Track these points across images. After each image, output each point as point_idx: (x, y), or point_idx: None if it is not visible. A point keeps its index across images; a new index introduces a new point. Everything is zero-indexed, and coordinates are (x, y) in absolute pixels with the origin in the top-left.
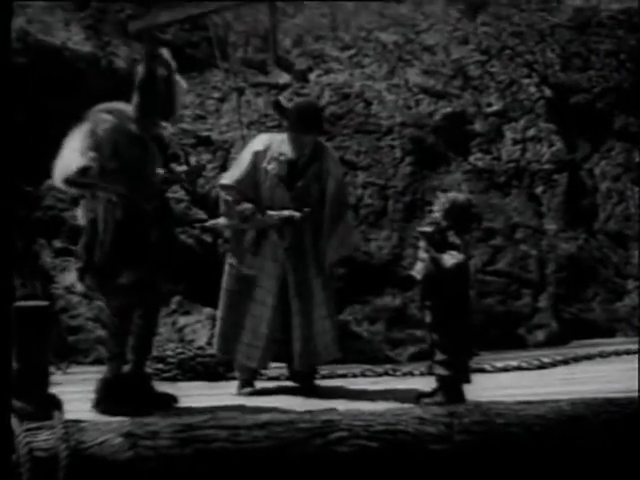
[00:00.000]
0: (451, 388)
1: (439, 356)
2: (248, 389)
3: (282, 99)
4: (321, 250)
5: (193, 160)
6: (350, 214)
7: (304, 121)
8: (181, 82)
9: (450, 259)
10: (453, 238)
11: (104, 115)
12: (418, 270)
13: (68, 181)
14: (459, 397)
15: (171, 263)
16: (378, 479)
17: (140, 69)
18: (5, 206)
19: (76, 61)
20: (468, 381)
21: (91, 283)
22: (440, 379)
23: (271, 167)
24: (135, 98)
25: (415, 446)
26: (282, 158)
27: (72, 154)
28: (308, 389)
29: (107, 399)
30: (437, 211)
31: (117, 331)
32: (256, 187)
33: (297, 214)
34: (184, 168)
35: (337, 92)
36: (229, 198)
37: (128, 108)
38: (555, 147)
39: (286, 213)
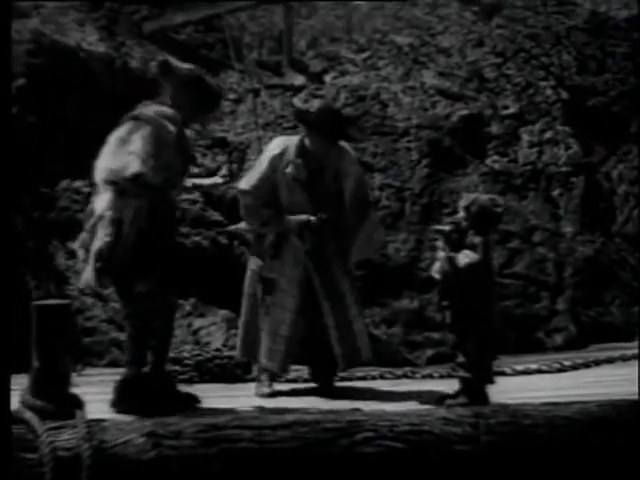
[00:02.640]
0: (473, 390)
1: (460, 358)
2: (267, 390)
3: (299, 103)
4: (346, 251)
5: (224, 168)
6: (374, 212)
7: (333, 129)
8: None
9: (464, 258)
10: (472, 238)
11: (166, 122)
12: (436, 269)
13: (116, 183)
14: (482, 399)
15: (179, 272)
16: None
17: (180, 68)
18: (20, 208)
19: (90, 62)
20: (491, 382)
21: (108, 286)
22: (462, 381)
23: (289, 170)
24: (183, 96)
25: (440, 447)
26: (299, 161)
27: (129, 157)
28: (328, 391)
29: (125, 398)
30: (460, 211)
31: (136, 334)
32: (274, 191)
33: (313, 218)
34: (223, 173)
35: (353, 94)
36: (247, 203)
37: (169, 111)
38: (572, 150)
39: (303, 217)
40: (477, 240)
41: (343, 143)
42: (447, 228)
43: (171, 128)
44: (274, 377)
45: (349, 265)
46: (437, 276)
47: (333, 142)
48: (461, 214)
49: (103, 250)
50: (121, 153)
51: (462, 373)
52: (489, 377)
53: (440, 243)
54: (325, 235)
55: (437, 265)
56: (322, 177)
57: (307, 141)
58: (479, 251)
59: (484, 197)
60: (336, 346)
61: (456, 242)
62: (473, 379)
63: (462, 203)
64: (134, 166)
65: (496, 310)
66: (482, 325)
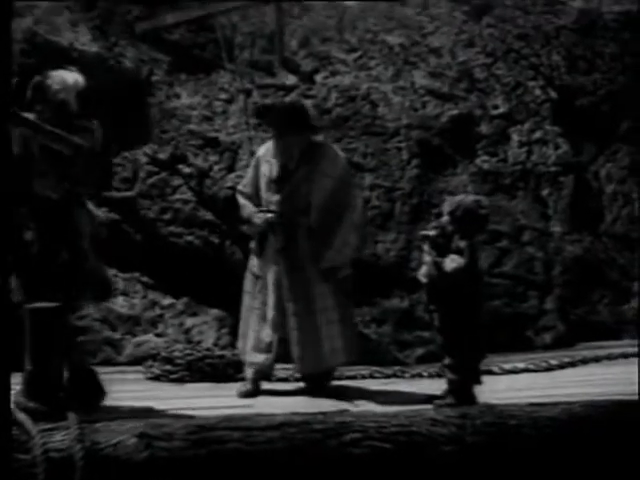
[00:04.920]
0: (461, 391)
1: (447, 360)
2: (243, 389)
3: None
4: (321, 253)
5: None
6: (352, 215)
7: (278, 123)
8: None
9: (451, 263)
10: (458, 242)
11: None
12: (422, 274)
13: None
14: (470, 399)
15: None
16: None
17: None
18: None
19: (83, 61)
20: (479, 383)
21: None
22: (450, 382)
23: (264, 170)
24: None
25: (428, 447)
26: (273, 161)
27: None
28: (317, 390)
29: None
30: (444, 215)
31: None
32: (258, 191)
33: (270, 216)
34: None
35: (343, 94)
36: (239, 202)
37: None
38: (561, 149)
39: (261, 215)
40: (463, 244)
41: (327, 144)
42: (432, 233)
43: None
44: (261, 375)
45: (325, 267)
46: (424, 280)
47: (280, 137)
48: (446, 218)
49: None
50: None
51: (449, 375)
52: (476, 378)
53: (426, 247)
54: (298, 234)
55: (424, 269)
56: (292, 177)
57: (273, 141)
58: (465, 255)
59: (469, 200)
60: (293, 349)
61: (442, 246)
62: (460, 380)
63: (446, 207)
64: None
65: (483, 313)
66: (469, 328)
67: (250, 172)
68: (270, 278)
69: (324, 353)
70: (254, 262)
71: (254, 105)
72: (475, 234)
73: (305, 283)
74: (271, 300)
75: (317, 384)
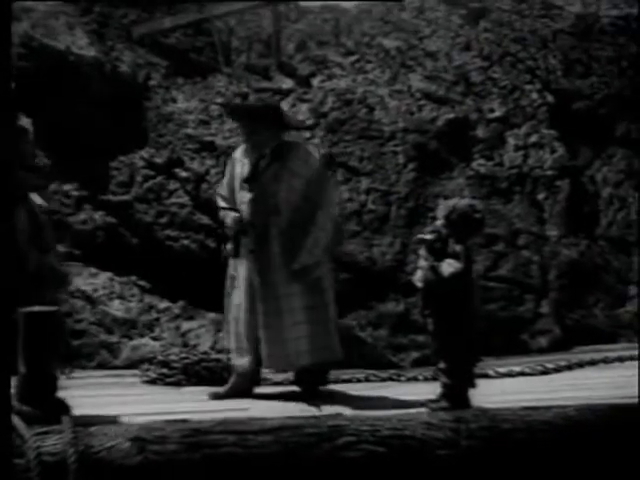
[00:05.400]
0: (455, 395)
1: (441, 364)
2: (218, 391)
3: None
4: (293, 253)
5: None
6: (323, 216)
7: (247, 121)
8: None
9: (448, 268)
10: (454, 246)
11: None
12: (418, 278)
13: None
14: (464, 403)
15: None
16: None
17: None
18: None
19: (80, 65)
20: (473, 386)
21: None
22: (444, 386)
23: (238, 170)
24: None
25: (422, 451)
26: (245, 160)
27: None
28: (311, 394)
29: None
30: (439, 219)
31: None
32: (233, 192)
33: (237, 216)
34: None
35: (340, 98)
36: (218, 204)
37: None
38: (557, 153)
39: (231, 216)
40: (458, 248)
41: (301, 144)
42: (429, 237)
43: None
44: (243, 378)
45: (296, 268)
46: (419, 285)
47: (249, 135)
48: (440, 222)
49: None
50: None
51: (444, 378)
52: (471, 382)
53: (423, 252)
54: (269, 234)
55: (419, 274)
56: (262, 176)
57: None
58: (461, 259)
59: (463, 203)
60: (262, 347)
61: (438, 251)
62: (455, 384)
63: (441, 211)
64: None
65: (477, 316)
66: (464, 331)
67: (226, 173)
68: (243, 278)
69: (289, 354)
70: (230, 262)
71: (223, 104)
72: (470, 238)
73: (274, 283)
74: (244, 300)
75: (311, 388)
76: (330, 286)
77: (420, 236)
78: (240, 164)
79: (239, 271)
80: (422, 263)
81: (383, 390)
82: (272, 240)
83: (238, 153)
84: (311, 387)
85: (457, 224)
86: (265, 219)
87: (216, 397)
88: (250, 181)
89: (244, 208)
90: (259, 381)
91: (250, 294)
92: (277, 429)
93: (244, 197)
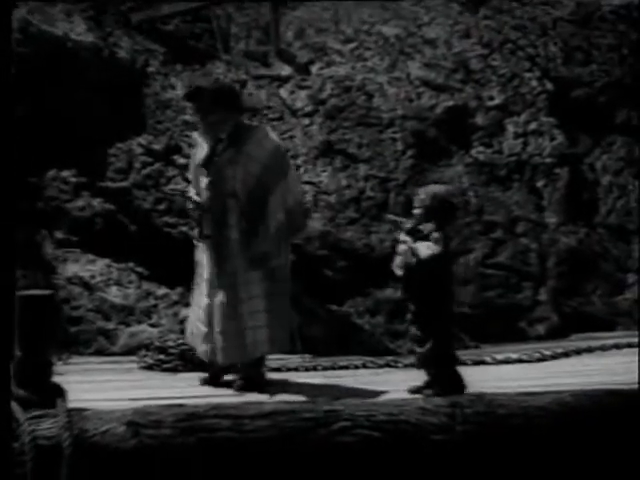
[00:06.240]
0: (439, 381)
1: (418, 349)
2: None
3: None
4: (250, 240)
5: None
6: (277, 202)
7: (201, 103)
8: None
9: (427, 250)
10: (433, 232)
11: None
12: (397, 264)
13: None
14: (448, 389)
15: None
16: (381, 468)
17: None
18: (7, 197)
19: (78, 52)
20: (455, 372)
21: None
22: (427, 373)
23: (199, 154)
24: None
25: (417, 436)
26: (204, 146)
27: None
28: (248, 383)
29: None
30: (417, 207)
31: None
32: (197, 179)
33: (194, 199)
34: None
35: (339, 85)
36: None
37: None
38: (556, 141)
39: (192, 199)
40: (437, 234)
41: (261, 127)
42: (409, 225)
43: None
44: (208, 364)
45: (252, 255)
46: (399, 272)
47: (204, 118)
48: (419, 209)
49: None
50: None
51: (424, 365)
52: (452, 367)
53: (402, 236)
54: (226, 220)
55: (398, 260)
56: (218, 160)
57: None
58: (439, 243)
59: (441, 190)
60: (217, 337)
61: (418, 235)
62: (437, 371)
63: (419, 197)
64: None
65: (454, 302)
66: (443, 317)
67: (192, 156)
68: (203, 266)
69: (247, 344)
70: (196, 247)
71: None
72: (448, 224)
73: (233, 270)
74: (204, 287)
75: (246, 376)
76: (289, 276)
77: (390, 216)
78: (200, 148)
79: (201, 257)
80: (401, 247)
81: (380, 376)
82: (230, 226)
83: (197, 136)
84: (247, 375)
85: (436, 210)
86: (222, 204)
87: (205, 382)
88: (206, 165)
89: (202, 193)
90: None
91: (209, 281)
92: (273, 414)
93: (202, 182)
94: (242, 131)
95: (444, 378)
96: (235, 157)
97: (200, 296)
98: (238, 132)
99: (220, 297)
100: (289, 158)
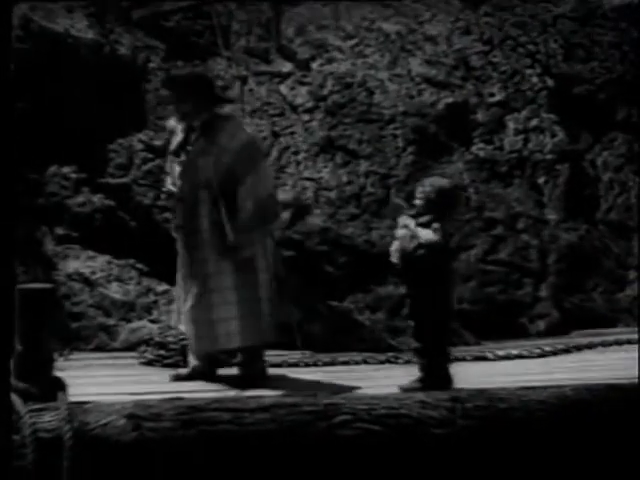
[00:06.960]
0: (433, 375)
1: (414, 344)
2: (180, 372)
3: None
4: (222, 230)
5: None
6: (244, 191)
7: (174, 93)
8: None
9: (426, 235)
10: (432, 224)
11: None
12: (395, 248)
13: None
14: (440, 384)
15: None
16: (381, 462)
17: None
18: (8, 193)
19: (79, 48)
20: (448, 367)
21: None
22: (421, 367)
23: (172, 143)
24: None
25: (417, 430)
26: (179, 135)
27: None
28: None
29: None
30: (419, 198)
31: None
32: (172, 167)
33: (166, 189)
34: None
35: (339, 81)
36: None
37: None
38: (557, 137)
39: (166, 188)
40: (437, 225)
41: (234, 117)
42: (410, 215)
43: None
44: (208, 358)
45: (225, 245)
46: (395, 260)
47: (178, 108)
48: (419, 200)
49: None
50: None
51: (416, 359)
52: (447, 361)
53: (402, 220)
54: (198, 210)
55: (396, 244)
56: (191, 149)
57: None
58: (439, 235)
59: (441, 182)
60: (189, 327)
61: (419, 222)
62: (432, 365)
63: (419, 189)
64: None
65: (454, 296)
66: (440, 311)
67: (168, 145)
68: (179, 254)
69: (218, 335)
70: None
71: (163, 78)
72: (447, 216)
73: (204, 261)
74: (180, 278)
75: (246, 372)
76: (266, 267)
77: (397, 200)
78: (175, 135)
79: (179, 246)
80: (400, 232)
81: (381, 372)
82: (202, 216)
83: (172, 125)
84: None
85: (435, 202)
86: (194, 194)
87: (178, 379)
88: (179, 154)
89: (176, 182)
90: (219, 362)
91: (183, 271)
92: (273, 407)
93: (176, 171)
94: (216, 122)
95: (433, 372)
96: (207, 147)
97: (178, 288)
98: (211, 122)
99: (192, 287)
100: (263, 151)
